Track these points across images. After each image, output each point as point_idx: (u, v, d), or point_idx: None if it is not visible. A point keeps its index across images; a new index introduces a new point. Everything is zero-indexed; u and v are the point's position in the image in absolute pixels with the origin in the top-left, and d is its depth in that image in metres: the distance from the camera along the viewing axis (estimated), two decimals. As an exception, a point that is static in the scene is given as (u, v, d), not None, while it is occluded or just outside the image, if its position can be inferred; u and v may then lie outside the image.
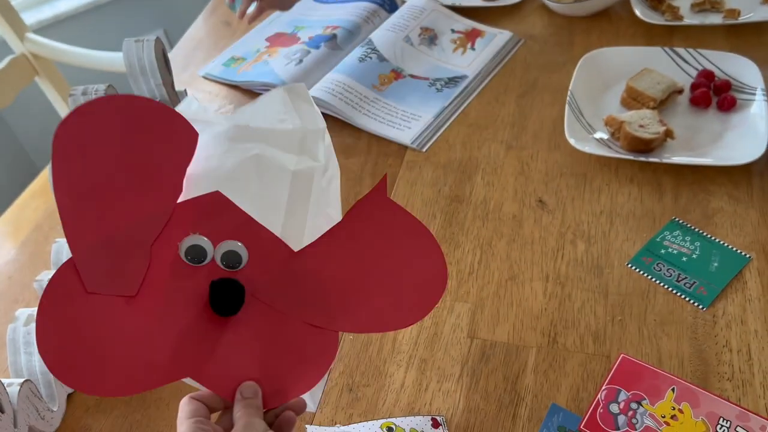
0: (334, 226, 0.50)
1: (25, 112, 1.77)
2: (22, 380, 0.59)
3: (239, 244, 0.48)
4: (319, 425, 0.60)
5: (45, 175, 1.42)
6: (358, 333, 0.67)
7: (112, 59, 1.31)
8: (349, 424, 0.60)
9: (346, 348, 0.66)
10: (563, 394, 0.60)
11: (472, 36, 1.04)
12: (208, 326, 0.47)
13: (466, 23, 1.07)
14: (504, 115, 0.90)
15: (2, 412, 0.56)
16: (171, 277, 0.47)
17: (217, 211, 0.49)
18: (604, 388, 0.59)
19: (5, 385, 0.57)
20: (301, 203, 0.51)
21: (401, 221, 0.51)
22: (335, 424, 0.60)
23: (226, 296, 0.46)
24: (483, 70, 0.98)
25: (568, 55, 0.96)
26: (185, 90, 0.99)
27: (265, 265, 0.48)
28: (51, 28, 1.76)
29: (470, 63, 0.99)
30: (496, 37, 1.03)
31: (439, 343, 0.65)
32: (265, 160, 0.51)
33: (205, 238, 0.48)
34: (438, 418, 0.59)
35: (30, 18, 1.72)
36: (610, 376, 0.60)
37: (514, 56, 1.00)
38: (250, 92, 1.02)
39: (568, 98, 0.85)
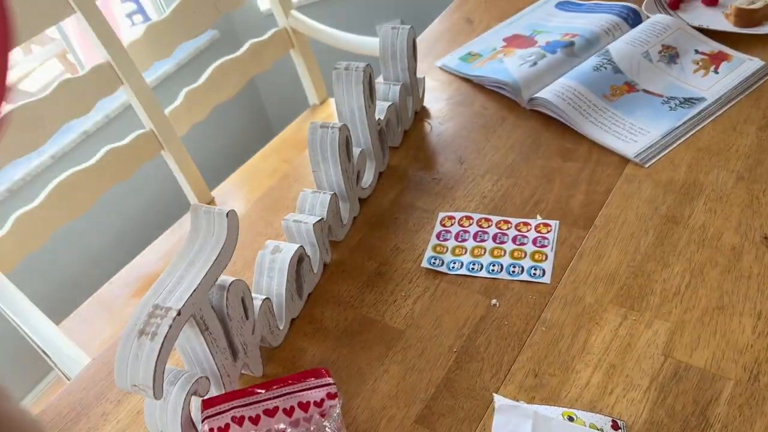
0: None
1: (274, 80, 2.02)
2: (264, 297, 0.71)
3: None
4: (504, 397, 0.64)
5: (282, 137, 1.61)
6: None
7: (359, 42, 1.45)
8: (531, 404, 0.64)
9: (537, 336, 0.70)
10: (757, 432, 0.58)
11: (717, 59, 1.01)
12: None
13: (713, 45, 1.03)
14: (740, 144, 0.87)
15: (247, 319, 0.68)
16: None
17: None
18: (805, 437, 0.56)
19: (252, 299, 0.70)
20: None
21: None
22: (518, 401, 0.64)
23: None
24: (724, 95, 0.94)
25: (828, 93, 0.89)
26: (423, 78, 1.08)
27: None
28: (306, 7, 1.98)
29: (711, 86, 0.96)
30: (744, 64, 0.98)
31: (631, 354, 0.67)
32: None
33: None
34: (619, 422, 0.61)
35: (292, -3, 1.95)
36: (815, 427, 0.57)
37: (762, 86, 0.95)
38: (480, 87, 1.08)
39: (818, 137, 0.80)
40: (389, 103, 0.96)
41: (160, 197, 2.00)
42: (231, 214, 0.61)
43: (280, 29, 1.55)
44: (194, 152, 1.42)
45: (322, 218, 0.79)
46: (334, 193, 0.82)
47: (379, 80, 1.02)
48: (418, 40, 1.26)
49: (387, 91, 0.98)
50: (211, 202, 1.31)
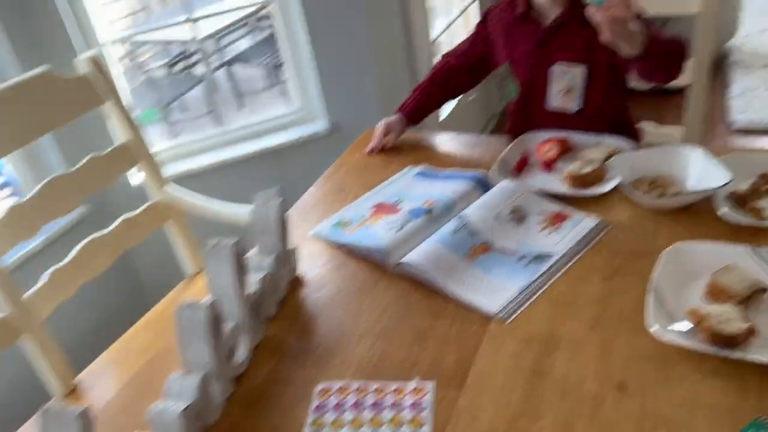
0: None
1: (149, 251, 1.98)
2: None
3: None
4: None
5: (156, 310, 1.56)
6: None
7: (235, 212, 1.48)
8: None
9: None
10: None
11: (559, 218, 1.12)
12: None
13: (554, 206, 1.15)
14: (588, 295, 0.95)
15: None
16: None
17: None
18: None
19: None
20: None
21: None
22: None
23: None
24: (569, 251, 1.04)
25: (653, 245, 1.01)
26: (296, 247, 1.11)
27: None
28: (185, 179, 2.01)
29: (557, 243, 1.07)
30: (582, 221, 1.10)
31: None
32: None
33: None
34: None
35: (169, 170, 1.99)
36: None
37: (601, 241, 1.06)
38: (352, 253, 1.13)
39: (652, 287, 0.89)
40: (263, 275, 0.98)
41: (14, 391, 1.82)
42: (83, 415, 0.57)
43: (154, 203, 1.56)
44: (60, 333, 1.33)
45: (190, 404, 0.76)
46: (204, 374, 0.79)
47: (253, 252, 1.04)
48: (292, 209, 1.31)
49: (260, 262, 1.00)
50: (75, 389, 1.21)
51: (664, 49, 1.15)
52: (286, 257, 1.04)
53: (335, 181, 1.38)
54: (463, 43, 1.47)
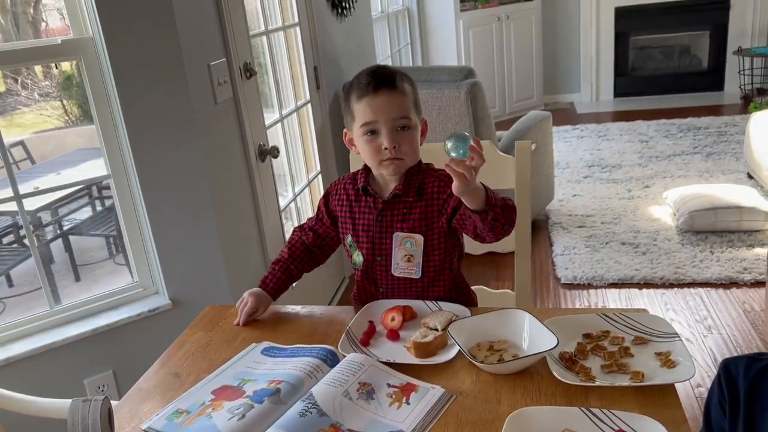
0: None
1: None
2: None
3: None
4: None
5: None
6: None
7: (56, 407, 1.32)
8: None
9: None
10: None
11: (407, 390, 1.11)
12: None
13: (402, 378, 1.15)
14: (438, 474, 0.92)
15: None
16: None
17: None
18: None
19: None
20: None
21: None
22: None
23: None
24: (418, 426, 1.02)
25: (496, 412, 1.03)
26: (124, 447, 0.99)
27: None
28: (4, 369, 1.78)
29: (405, 417, 1.05)
30: (428, 392, 1.10)
31: None
32: None
33: None
34: None
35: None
36: None
37: (447, 411, 1.06)
38: (189, 447, 1.03)
39: (497, 458, 0.89)
40: (79, 488, 0.85)
41: None
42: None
43: (-43, 402, 1.35)
44: None
45: None
46: None
47: (69, 461, 0.91)
48: (123, 399, 1.19)
49: (77, 473, 0.87)
50: None
51: (501, 204, 1.24)
52: (110, 462, 0.92)
53: (170, 366, 1.29)
54: (312, 218, 1.52)
